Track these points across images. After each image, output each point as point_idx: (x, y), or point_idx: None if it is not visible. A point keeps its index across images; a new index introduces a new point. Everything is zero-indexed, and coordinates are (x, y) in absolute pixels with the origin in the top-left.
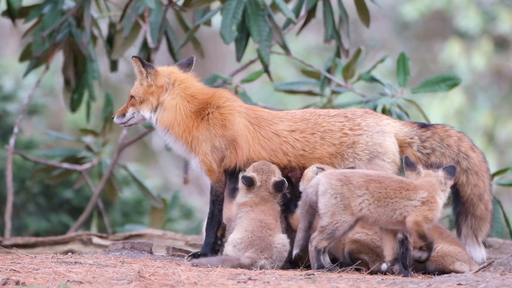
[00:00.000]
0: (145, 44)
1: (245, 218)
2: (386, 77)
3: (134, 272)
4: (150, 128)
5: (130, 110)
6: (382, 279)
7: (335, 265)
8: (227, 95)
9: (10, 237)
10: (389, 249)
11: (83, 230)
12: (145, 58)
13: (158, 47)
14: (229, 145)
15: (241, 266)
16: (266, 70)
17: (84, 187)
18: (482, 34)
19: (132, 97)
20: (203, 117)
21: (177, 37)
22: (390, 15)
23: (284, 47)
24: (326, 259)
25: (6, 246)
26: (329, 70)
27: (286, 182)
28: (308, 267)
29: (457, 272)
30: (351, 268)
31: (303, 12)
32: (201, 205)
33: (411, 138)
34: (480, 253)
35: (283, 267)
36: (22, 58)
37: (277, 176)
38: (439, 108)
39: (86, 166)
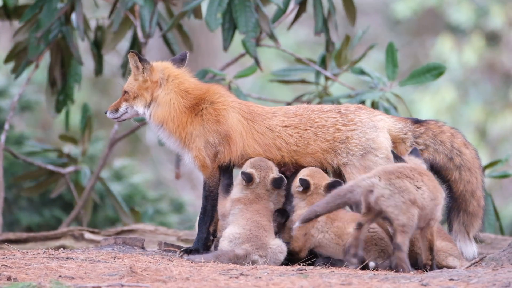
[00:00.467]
0: (134, 39)
1: (241, 216)
2: (377, 71)
3: (126, 267)
4: (141, 122)
5: (124, 105)
6: (374, 275)
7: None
8: (221, 91)
9: (1, 232)
10: (426, 253)
11: (74, 225)
12: None
13: (147, 41)
14: (222, 141)
15: (237, 257)
16: (257, 62)
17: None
18: (474, 29)
19: (125, 92)
20: (197, 113)
21: (171, 30)
22: (382, 10)
23: (272, 37)
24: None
25: None
26: (323, 59)
27: (285, 179)
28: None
29: (449, 267)
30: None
31: (293, 5)
32: (194, 200)
33: (405, 134)
34: (471, 249)
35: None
36: (7, 59)
37: (275, 173)
38: (430, 103)
39: (70, 169)
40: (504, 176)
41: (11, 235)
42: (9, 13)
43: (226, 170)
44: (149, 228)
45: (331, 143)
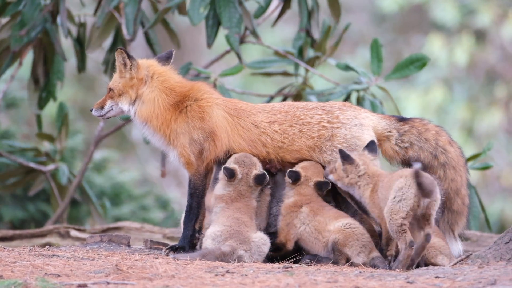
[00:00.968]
0: (116, 37)
1: (221, 215)
2: (362, 67)
3: (112, 265)
4: (127, 119)
5: (109, 103)
6: (360, 272)
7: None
8: (205, 88)
9: None
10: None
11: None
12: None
13: (133, 38)
14: (207, 137)
15: (224, 255)
16: (239, 57)
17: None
18: (462, 28)
19: (110, 89)
20: (181, 110)
21: (154, 29)
22: (368, 7)
23: (254, 33)
24: None
25: None
26: (301, 49)
27: (268, 176)
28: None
29: (437, 265)
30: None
31: (277, 2)
32: (179, 197)
33: (389, 132)
34: (456, 247)
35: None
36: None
37: (258, 169)
38: (417, 101)
39: (51, 167)
40: (486, 167)
41: None
42: None
43: (219, 164)
44: (135, 225)
45: (316, 140)
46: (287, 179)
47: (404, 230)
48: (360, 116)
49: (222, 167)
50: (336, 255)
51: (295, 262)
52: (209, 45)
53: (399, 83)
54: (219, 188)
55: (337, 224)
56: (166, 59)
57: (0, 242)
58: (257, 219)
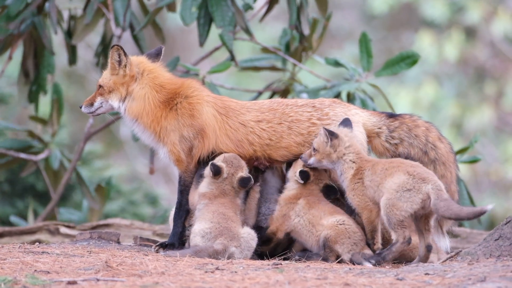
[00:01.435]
0: (106, 33)
1: (206, 210)
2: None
3: (102, 262)
4: (116, 116)
5: (99, 100)
6: (350, 269)
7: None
8: (195, 85)
9: None
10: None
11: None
12: (105, 47)
13: (121, 35)
14: (197, 135)
15: (216, 252)
16: (232, 56)
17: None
18: (451, 25)
19: (100, 86)
20: (172, 107)
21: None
22: (359, 5)
23: (247, 31)
24: None
25: None
26: (288, 44)
27: (252, 180)
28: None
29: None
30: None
31: None
32: (168, 194)
33: (379, 128)
34: (444, 243)
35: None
36: None
37: (245, 172)
38: (407, 97)
39: (42, 156)
40: (474, 161)
41: None
42: None
43: (205, 163)
44: (125, 222)
45: (306, 137)
46: (298, 178)
47: (404, 226)
48: (350, 113)
49: (210, 163)
50: (327, 251)
51: (285, 259)
52: (201, 43)
53: (389, 80)
54: (203, 186)
55: (330, 220)
56: (155, 55)
57: None
58: (246, 216)
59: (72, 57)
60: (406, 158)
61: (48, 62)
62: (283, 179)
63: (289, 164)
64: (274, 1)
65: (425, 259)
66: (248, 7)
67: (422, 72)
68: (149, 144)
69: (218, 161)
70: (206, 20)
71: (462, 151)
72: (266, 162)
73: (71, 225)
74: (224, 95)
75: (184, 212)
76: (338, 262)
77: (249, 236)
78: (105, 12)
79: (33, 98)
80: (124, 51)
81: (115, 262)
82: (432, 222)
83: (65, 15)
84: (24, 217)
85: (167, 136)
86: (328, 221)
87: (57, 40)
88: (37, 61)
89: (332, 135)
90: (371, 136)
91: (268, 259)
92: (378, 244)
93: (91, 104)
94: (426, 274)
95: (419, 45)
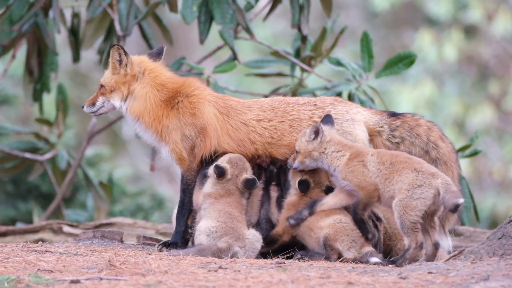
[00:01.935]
0: (109, 33)
1: (212, 209)
2: (353, 62)
3: (105, 260)
4: (118, 115)
5: (100, 99)
6: (353, 268)
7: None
8: (196, 84)
9: None
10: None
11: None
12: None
13: (127, 34)
14: (199, 134)
15: (220, 251)
16: (234, 53)
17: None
18: (452, 23)
19: (102, 86)
20: (173, 106)
21: (149, 24)
22: (360, 3)
23: (248, 30)
24: None
25: None
26: (298, 51)
27: (258, 182)
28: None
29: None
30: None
31: None
32: (172, 194)
33: (381, 127)
34: (446, 243)
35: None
36: None
37: (249, 174)
38: (409, 96)
39: (47, 156)
40: (474, 153)
41: None
42: None
43: (207, 163)
44: (128, 221)
45: None
46: (297, 188)
47: (417, 229)
48: (352, 111)
49: (214, 164)
50: (328, 250)
51: (288, 258)
52: (202, 41)
53: (391, 78)
54: (207, 187)
55: (327, 221)
56: (157, 55)
57: None
58: (248, 213)
59: (76, 54)
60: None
61: (51, 60)
62: None
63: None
64: (278, 0)
65: (432, 257)
66: (250, 6)
67: (424, 71)
68: (151, 143)
69: (223, 162)
70: (206, 18)
71: (463, 148)
72: (268, 160)
73: (74, 224)
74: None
75: (186, 211)
76: (341, 261)
77: (254, 238)
78: (110, 12)
79: (37, 96)
80: (124, 51)
81: (118, 261)
82: (436, 219)
83: (68, 13)
84: (28, 218)
85: (169, 135)
86: (325, 222)
87: (60, 39)
88: (41, 59)
89: (315, 132)
90: (372, 135)
91: (271, 258)
92: (365, 216)
93: (93, 104)
94: (429, 272)
95: (419, 43)
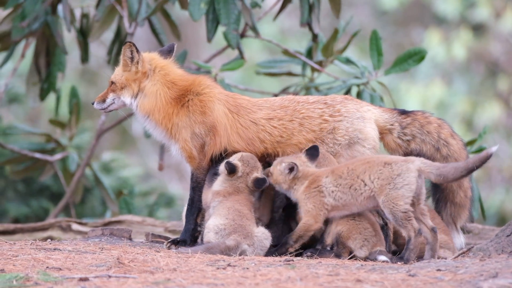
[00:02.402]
0: (119, 30)
1: (221, 207)
2: (363, 60)
3: (113, 258)
4: (128, 113)
5: (111, 96)
6: (362, 265)
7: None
8: (207, 82)
9: None
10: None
11: (62, 216)
12: (120, 43)
13: (134, 32)
14: (209, 132)
15: (228, 249)
16: (240, 53)
17: (64, 172)
18: (461, 22)
19: (112, 83)
20: (183, 104)
21: (159, 20)
22: (369, 1)
23: (254, 29)
24: None
25: None
26: (310, 50)
27: (267, 181)
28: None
29: (439, 258)
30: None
31: None
32: (182, 192)
33: (391, 125)
34: (459, 240)
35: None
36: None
37: (260, 173)
38: (418, 94)
39: (57, 156)
40: (480, 150)
41: None
42: None
43: (217, 161)
44: (137, 219)
45: (318, 133)
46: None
47: (410, 217)
48: (362, 109)
49: (225, 161)
50: (340, 248)
51: (296, 256)
52: (209, 39)
53: (400, 76)
54: (217, 184)
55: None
56: (168, 52)
57: (2, 236)
58: (260, 213)
59: (85, 55)
60: (418, 154)
61: (59, 60)
62: None
63: None
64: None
65: (434, 242)
66: (255, 4)
67: (433, 69)
68: (161, 141)
69: (235, 159)
70: (214, 16)
71: (470, 142)
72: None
73: (83, 222)
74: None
75: (196, 209)
76: (350, 258)
77: (263, 236)
78: (119, 9)
79: (44, 95)
80: (136, 48)
81: (126, 259)
82: (424, 206)
83: (78, 13)
84: (38, 217)
85: (179, 133)
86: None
87: (69, 38)
88: (49, 59)
89: (292, 169)
90: (383, 133)
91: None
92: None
93: (103, 101)
94: (438, 270)
95: (429, 42)
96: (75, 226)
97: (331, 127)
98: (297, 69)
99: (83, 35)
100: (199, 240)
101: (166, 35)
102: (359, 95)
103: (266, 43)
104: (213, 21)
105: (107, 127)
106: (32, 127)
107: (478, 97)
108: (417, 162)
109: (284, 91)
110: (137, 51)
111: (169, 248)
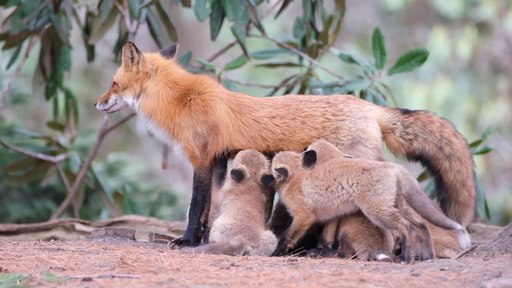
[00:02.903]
0: (121, 30)
1: (232, 206)
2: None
3: (117, 258)
4: (131, 113)
5: (113, 97)
6: (365, 265)
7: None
8: (208, 81)
9: None
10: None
11: (66, 216)
12: (121, 43)
13: (136, 31)
14: (211, 131)
15: (232, 249)
16: (244, 50)
17: (67, 173)
18: (466, 21)
19: (114, 83)
20: (185, 104)
21: (158, 21)
22: (373, 0)
23: (259, 27)
24: None
25: None
26: (304, 40)
27: (274, 178)
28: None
29: (445, 258)
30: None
31: None
32: (185, 191)
33: (394, 124)
34: (464, 240)
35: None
36: (5, 47)
37: (266, 168)
38: (421, 94)
39: (60, 157)
40: (485, 151)
41: (1, 227)
42: None
43: (220, 160)
44: (140, 219)
45: (321, 131)
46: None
47: (397, 217)
48: (365, 109)
49: (230, 170)
50: (344, 248)
51: (300, 255)
52: (213, 38)
53: (404, 75)
54: (228, 184)
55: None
56: (170, 53)
57: (6, 236)
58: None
59: (91, 53)
60: (421, 154)
61: (64, 58)
62: None
63: None
64: None
65: (427, 237)
66: (260, 0)
67: (437, 68)
68: (163, 141)
69: (237, 163)
70: (218, 15)
71: (475, 144)
72: None
73: (87, 222)
74: (239, 91)
75: (199, 209)
76: (353, 258)
77: (269, 240)
78: (120, 9)
79: (49, 94)
80: (136, 48)
81: (130, 259)
82: (408, 207)
83: (83, 12)
84: (42, 218)
85: (181, 133)
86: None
87: (73, 38)
88: (54, 57)
89: (285, 174)
90: (385, 132)
91: (283, 255)
92: (292, 244)
93: (106, 101)
94: (442, 269)
95: (433, 41)
96: (78, 226)
97: (334, 127)
98: (294, 60)
99: (88, 34)
100: (202, 240)
101: (165, 37)
102: (362, 95)
103: (269, 41)
104: (217, 20)
105: (110, 127)
106: (36, 128)
107: (482, 96)
108: (396, 169)
109: (285, 83)
110: (137, 51)
111: (172, 248)
